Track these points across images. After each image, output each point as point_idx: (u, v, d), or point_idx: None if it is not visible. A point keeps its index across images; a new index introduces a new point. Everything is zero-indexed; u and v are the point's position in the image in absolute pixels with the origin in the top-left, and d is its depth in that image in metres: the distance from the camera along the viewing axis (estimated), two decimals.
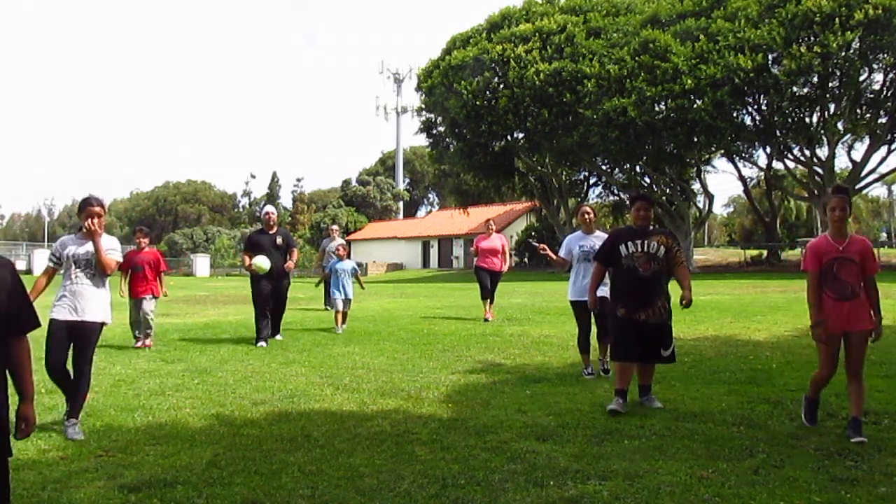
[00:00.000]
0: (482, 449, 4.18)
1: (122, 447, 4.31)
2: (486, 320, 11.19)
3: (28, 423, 2.58)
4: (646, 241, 5.19)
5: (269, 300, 9.01)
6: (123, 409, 5.34)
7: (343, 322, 10.36)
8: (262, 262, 8.79)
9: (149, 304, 8.77)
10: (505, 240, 11.91)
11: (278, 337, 9.27)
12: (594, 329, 6.52)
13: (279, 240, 9.10)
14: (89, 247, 4.82)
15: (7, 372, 2.48)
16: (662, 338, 5.19)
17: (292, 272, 9.53)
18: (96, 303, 4.78)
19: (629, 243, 5.21)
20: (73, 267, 4.76)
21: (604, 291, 5.94)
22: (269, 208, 9.47)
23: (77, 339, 4.70)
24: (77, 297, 4.72)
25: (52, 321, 4.68)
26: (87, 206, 4.81)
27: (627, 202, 6.54)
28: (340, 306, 10.34)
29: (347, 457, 4.05)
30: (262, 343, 8.73)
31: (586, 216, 6.73)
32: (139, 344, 8.60)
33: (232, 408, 5.36)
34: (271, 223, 9.18)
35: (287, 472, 3.79)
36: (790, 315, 11.18)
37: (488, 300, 11.48)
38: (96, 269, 4.82)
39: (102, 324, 4.82)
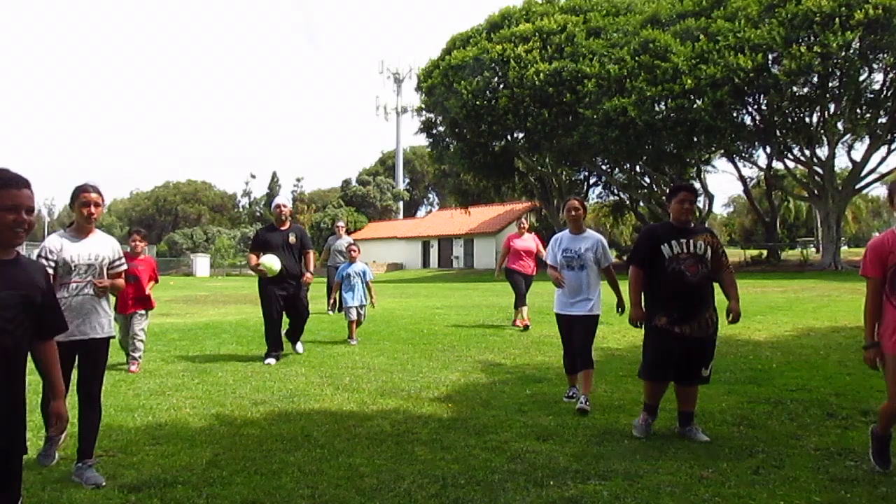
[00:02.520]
0: (482, 449, 4.18)
1: (122, 447, 4.31)
2: (525, 328, 9.89)
3: (61, 419, 2.66)
4: (691, 241, 4.42)
5: (281, 308, 7.68)
6: (123, 409, 5.34)
7: (351, 334, 9.09)
8: (272, 262, 7.43)
9: (140, 323, 7.23)
10: (539, 240, 10.53)
11: (299, 348, 8.01)
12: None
13: (292, 237, 7.77)
14: (93, 248, 3.95)
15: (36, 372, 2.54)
16: (704, 354, 4.43)
17: (306, 283, 7.93)
18: (103, 315, 3.96)
19: (673, 243, 4.42)
20: (73, 273, 3.87)
21: (563, 307, 5.43)
22: (281, 200, 8.03)
23: (85, 358, 3.89)
24: (80, 311, 3.85)
25: None
26: (82, 193, 3.90)
27: (671, 192, 4.61)
28: (354, 315, 9.01)
29: (347, 457, 4.05)
30: (271, 360, 7.49)
31: (573, 212, 5.46)
32: (134, 367, 7.03)
33: (232, 408, 5.36)
34: (283, 218, 7.82)
35: (287, 472, 3.79)
36: (790, 315, 11.18)
37: (524, 307, 10.07)
38: (102, 277, 3.97)
39: (111, 338, 4.06)
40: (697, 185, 35.36)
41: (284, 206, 7.91)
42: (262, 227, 8.54)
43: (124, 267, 4.14)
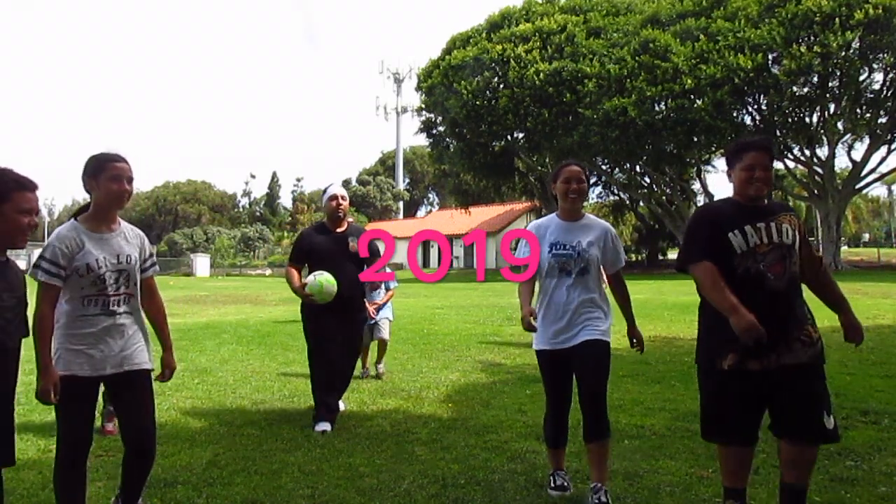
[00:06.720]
0: (482, 449, 4.18)
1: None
2: None
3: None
4: (772, 224, 2.84)
5: (337, 351, 4.84)
6: None
7: (379, 359, 6.70)
8: (320, 284, 4.61)
9: None
10: None
11: (339, 405, 5.00)
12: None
13: (353, 244, 4.91)
14: (123, 246, 2.80)
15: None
16: (811, 389, 2.86)
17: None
18: (144, 339, 3.06)
19: (747, 229, 2.82)
20: (101, 284, 2.72)
21: (552, 339, 3.37)
22: (339, 191, 5.05)
23: (128, 394, 3.02)
24: (117, 335, 2.84)
25: (71, 379, 2.67)
26: (110, 163, 2.71)
27: (732, 152, 2.87)
28: (368, 336, 6.48)
29: (347, 457, 4.05)
30: (326, 426, 4.65)
31: (574, 184, 3.37)
32: (110, 427, 4.56)
33: (232, 408, 5.36)
34: (340, 215, 4.97)
35: (287, 472, 3.78)
36: None
37: None
38: (138, 288, 2.90)
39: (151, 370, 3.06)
40: (697, 185, 35.44)
41: (344, 199, 5.02)
42: (308, 227, 5.62)
43: (156, 269, 3.07)
